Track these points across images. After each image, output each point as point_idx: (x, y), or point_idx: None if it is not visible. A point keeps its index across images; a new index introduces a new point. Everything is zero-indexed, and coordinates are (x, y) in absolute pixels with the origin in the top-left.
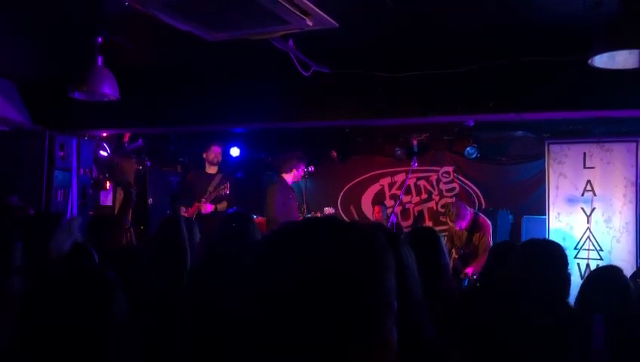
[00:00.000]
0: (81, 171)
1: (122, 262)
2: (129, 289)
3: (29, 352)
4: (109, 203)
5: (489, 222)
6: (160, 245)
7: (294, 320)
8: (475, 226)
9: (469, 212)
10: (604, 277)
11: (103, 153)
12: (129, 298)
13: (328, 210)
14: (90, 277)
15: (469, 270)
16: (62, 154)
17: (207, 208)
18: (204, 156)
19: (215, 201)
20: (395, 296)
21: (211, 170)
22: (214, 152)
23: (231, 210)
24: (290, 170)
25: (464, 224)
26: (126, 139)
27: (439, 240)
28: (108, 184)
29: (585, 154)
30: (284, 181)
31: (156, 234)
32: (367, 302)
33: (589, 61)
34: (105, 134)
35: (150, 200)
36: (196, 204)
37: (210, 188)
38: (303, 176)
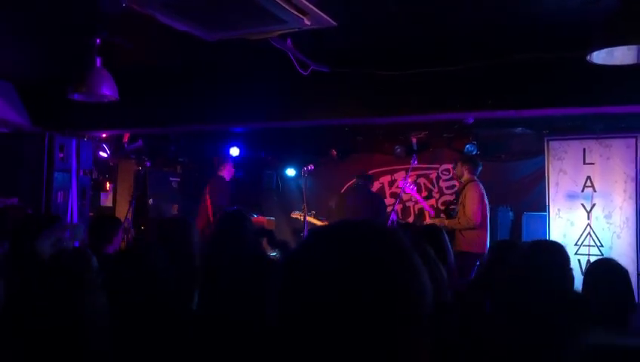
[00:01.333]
0: (81, 172)
1: (136, 258)
2: (143, 284)
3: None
4: (109, 204)
5: (480, 191)
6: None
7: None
8: (464, 188)
9: (470, 176)
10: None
11: (103, 154)
12: (141, 295)
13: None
14: (65, 277)
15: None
16: (62, 155)
17: None
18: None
19: None
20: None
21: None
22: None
23: (230, 209)
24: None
25: (464, 177)
26: (125, 139)
27: (445, 238)
28: (108, 185)
29: (584, 150)
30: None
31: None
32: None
33: (588, 57)
34: (104, 135)
35: (150, 201)
36: None
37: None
38: (303, 175)
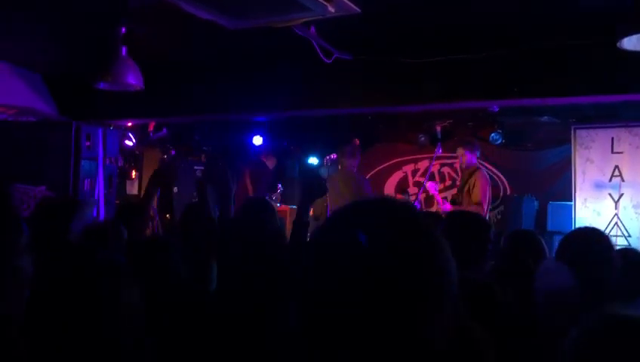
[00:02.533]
0: (107, 160)
1: (150, 253)
2: (151, 279)
3: (32, 338)
4: (135, 192)
5: (488, 181)
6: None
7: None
8: (473, 174)
9: (476, 155)
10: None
11: (129, 143)
12: (151, 289)
13: None
14: (99, 264)
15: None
16: (88, 144)
17: None
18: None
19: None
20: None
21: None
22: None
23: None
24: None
25: (472, 160)
26: (151, 128)
27: (488, 226)
28: (134, 173)
29: (613, 139)
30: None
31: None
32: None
33: (618, 43)
34: (130, 124)
35: (175, 189)
36: None
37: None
38: (325, 164)
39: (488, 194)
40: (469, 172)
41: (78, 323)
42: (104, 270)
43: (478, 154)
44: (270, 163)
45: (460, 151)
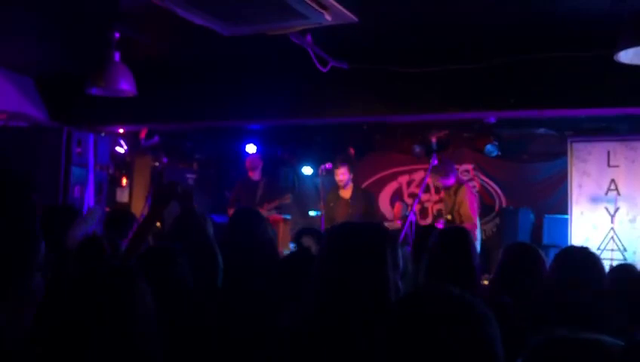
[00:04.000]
0: (98, 167)
1: (155, 259)
2: (160, 287)
3: (42, 350)
4: (125, 199)
5: (474, 195)
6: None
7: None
8: (457, 193)
9: (454, 174)
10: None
11: (120, 149)
12: (159, 296)
13: None
14: (114, 271)
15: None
16: (79, 150)
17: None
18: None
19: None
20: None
21: (254, 177)
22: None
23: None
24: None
25: (448, 182)
26: (142, 135)
27: (471, 240)
28: (124, 180)
29: (609, 152)
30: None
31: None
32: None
33: (615, 57)
34: (121, 130)
35: None
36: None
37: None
38: (320, 174)
39: (477, 207)
40: (453, 190)
41: (97, 329)
42: (121, 274)
43: (454, 174)
44: (255, 174)
45: (434, 178)
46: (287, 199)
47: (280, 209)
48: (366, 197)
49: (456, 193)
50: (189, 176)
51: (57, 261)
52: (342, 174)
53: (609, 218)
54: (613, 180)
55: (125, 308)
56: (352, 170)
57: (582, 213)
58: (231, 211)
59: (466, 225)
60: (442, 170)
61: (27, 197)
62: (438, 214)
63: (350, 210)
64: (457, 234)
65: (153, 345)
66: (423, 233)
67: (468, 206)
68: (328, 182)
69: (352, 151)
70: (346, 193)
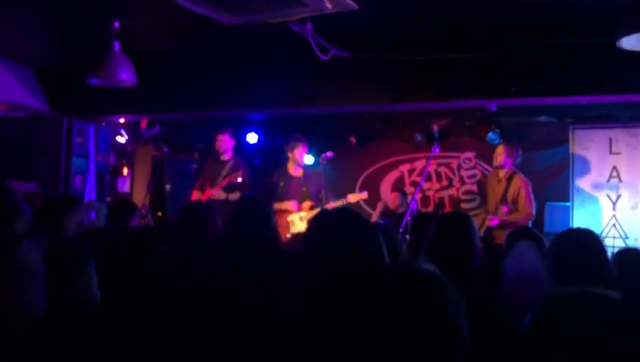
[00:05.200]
0: (99, 157)
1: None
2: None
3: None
4: (127, 189)
5: (528, 181)
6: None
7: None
8: (512, 180)
9: (511, 163)
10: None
11: (121, 139)
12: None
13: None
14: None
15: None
16: (80, 140)
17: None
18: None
19: (227, 190)
20: None
21: (224, 157)
22: (218, 140)
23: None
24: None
25: (508, 164)
26: (143, 125)
27: (472, 224)
28: (125, 170)
29: (611, 139)
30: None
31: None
32: None
33: (617, 43)
34: (122, 120)
35: (168, 187)
36: (208, 190)
37: (223, 173)
38: (322, 162)
39: (533, 198)
40: (506, 177)
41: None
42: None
43: (517, 160)
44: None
45: (499, 149)
46: (239, 176)
47: (233, 189)
48: (317, 178)
49: (509, 180)
50: (190, 165)
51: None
52: (299, 150)
53: (611, 205)
54: (614, 167)
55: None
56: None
57: (583, 200)
58: (194, 194)
59: (520, 218)
60: (513, 148)
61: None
62: (440, 203)
63: (305, 189)
64: (456, 220)
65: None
66: (423, 220)
67: (524, 195)
68: (330, 170)
69: (353, 140)
70: (298, 171)
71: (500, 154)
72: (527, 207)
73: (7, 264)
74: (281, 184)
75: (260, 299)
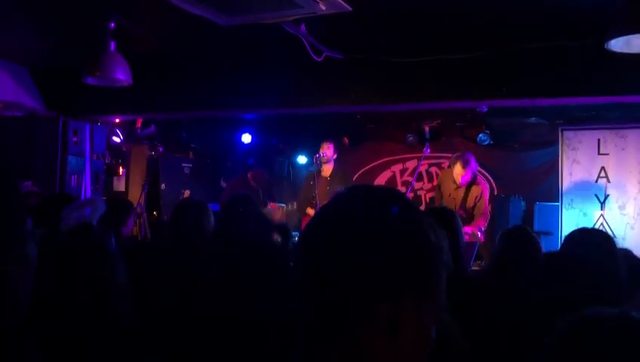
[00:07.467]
0: (94, 157)
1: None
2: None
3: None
4: (122, 188)
5: (487, 184)
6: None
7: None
8: (471, 186)
9: (474, 168)
10: None
11: (116, 139)
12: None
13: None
14: (90, 248)
15: (467, 229)
16: (75, 139)
17: None
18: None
19: None
20: None
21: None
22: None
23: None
24: None
25: (466, 179)
26: (138, 125)
27: (458, 220)
28: (121, 170)
29: (599, 140)
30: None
31: None
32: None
33: (605, 45)
34: (117, 120)
35: (163, 186)
36: None
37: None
38: (315, 162)
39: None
40: (469, 182)
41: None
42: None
43: (476, 167)
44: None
45: (457, 170)
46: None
47: None
48: (343, 178)
49: (468, 187)
50: (184, 165)
51: (49, 236)
52: (327, 148)
53: (599, 205)
54: (603, 168)
55: (97, 282)
56: (337, 149)
57: (572, 200)
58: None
59: (480, 220)
60: (467, 163)
61: (8, 180)
62: (431, 202)
63: (329, 188)
64: (441, 215)
65: (125, 321)
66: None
67: (485, 200)
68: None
69: (346, 140)
70: (327, 171)
71: (462, 175)
72: (486, 208)
73: (6, 259)
74: (311, 183)
75: (248, 297)
